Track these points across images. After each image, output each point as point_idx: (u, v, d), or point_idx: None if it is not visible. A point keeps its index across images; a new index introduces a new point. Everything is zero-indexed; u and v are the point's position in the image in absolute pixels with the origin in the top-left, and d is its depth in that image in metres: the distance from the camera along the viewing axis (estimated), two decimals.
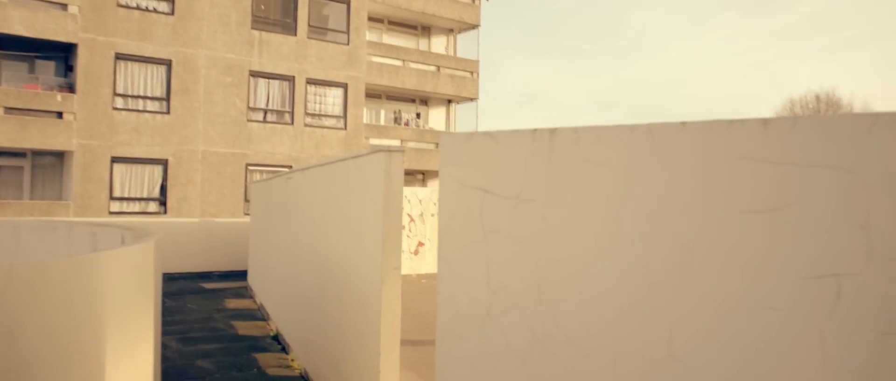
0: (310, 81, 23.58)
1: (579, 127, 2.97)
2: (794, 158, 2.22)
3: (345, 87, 24.52)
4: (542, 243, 3.03)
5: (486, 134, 3.25)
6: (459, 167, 3.34)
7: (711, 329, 2.55)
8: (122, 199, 19.89)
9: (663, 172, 2.68)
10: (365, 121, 26.96)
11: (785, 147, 2.26)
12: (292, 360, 7.66)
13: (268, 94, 22.75)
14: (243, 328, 9.68)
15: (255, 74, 22.26)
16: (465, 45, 32.67)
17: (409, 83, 29.32)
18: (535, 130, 3.10)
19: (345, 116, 24.62)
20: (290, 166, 22.07)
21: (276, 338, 8.87)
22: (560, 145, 2.99)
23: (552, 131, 3.04)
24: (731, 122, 2.60)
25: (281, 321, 8.74)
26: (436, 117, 32.89)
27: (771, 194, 2.44)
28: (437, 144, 30.87)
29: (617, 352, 2.78)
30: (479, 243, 3.26)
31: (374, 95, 29.12)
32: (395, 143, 28.79)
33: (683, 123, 2.70)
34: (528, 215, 3.09)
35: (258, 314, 10.80)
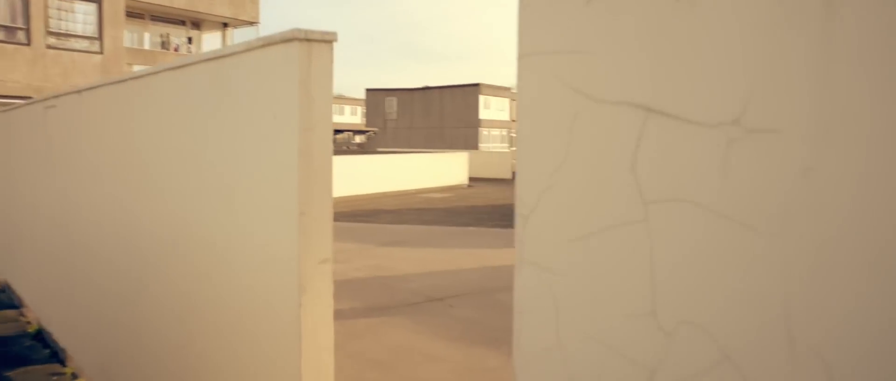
0: None
1: None
2: None
3: (98, 2, 20.13)
4: (805, 224, 1.32)
5: None
6: (573, 56, 1.47)
7: None
8: None
9: None
10: (126, 45, 22.62)
11: None
12: (75, 377, 5.18)
13: None
14: None
15: None
16: None
17: (178, 1, 25.13)
18: None
19: (100, 38, 20.32)
20: (29, 97, 17.62)
21: (41, 337, 6.18)
22: None
23: None
24: None
25: (49, 311, 6.08)
26: (210, 44, 28.92)
27: None
28: None
29: None
30: (629, 226, 1.45)
31: (136, 14, 24.58)
32: None
33: None
34: (761, 163, 1.35)
35: (4, 300, 7.79)
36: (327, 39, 2.29)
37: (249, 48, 2.50)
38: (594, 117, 1.46)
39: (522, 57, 1.51)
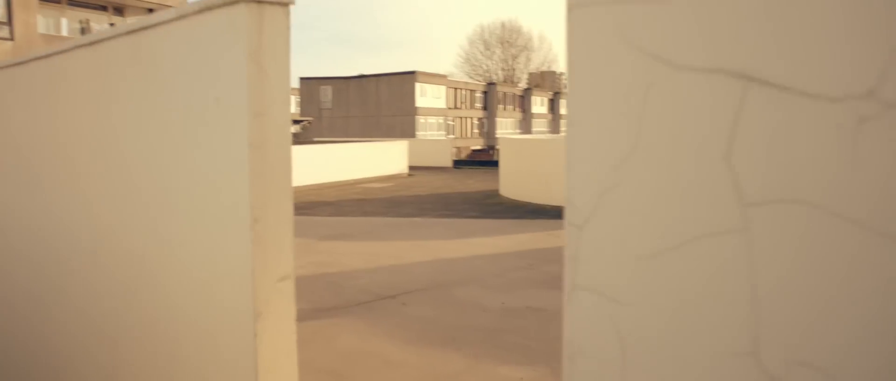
0: None
1: None
2: None
3: None
4: None
5: None
6: (645, 7, 1.08)
7: None
8: None
9: None
10: (41, 31, 21.15)
11: None
12: None
13: None
14: None
15: None
16: None
17: None
18: None
19: (10, 23, 18.93)
20: None
21: None
22: None
23: None
24: None
25: None
26: None
27: None
28: None
29: None
30: (723, 236, 1.08)
31: None
32: None
33: None
34: None
35: None
36: (283, 1, 1.84)
37: (183, 15, 2.01)
38: (675, 90, 1.07)
39: (573, 9, 1.10)
